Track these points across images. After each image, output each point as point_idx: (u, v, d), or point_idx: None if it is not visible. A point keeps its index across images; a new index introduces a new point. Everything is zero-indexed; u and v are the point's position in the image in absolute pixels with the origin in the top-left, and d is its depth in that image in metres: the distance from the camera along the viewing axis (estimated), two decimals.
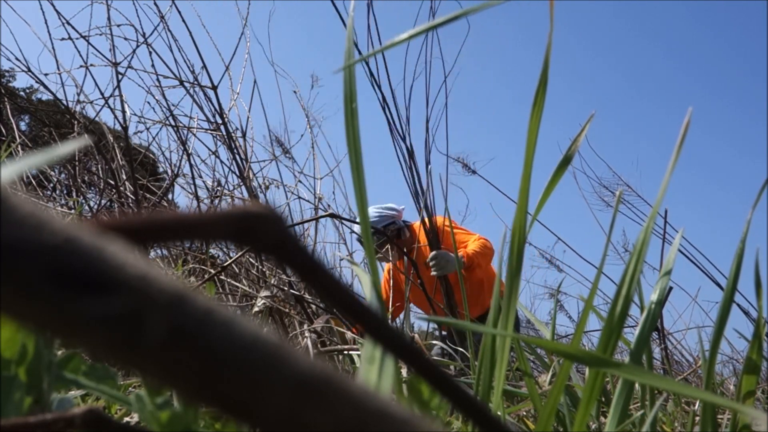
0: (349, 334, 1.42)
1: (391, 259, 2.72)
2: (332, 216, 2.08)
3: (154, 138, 2.47)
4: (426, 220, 2.29)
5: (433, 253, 2.37)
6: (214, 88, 2.25)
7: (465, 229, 2.85)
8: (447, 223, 2.63)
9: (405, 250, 2.58)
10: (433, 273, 2.37)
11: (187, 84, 2.24)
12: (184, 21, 2.26)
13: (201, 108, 2.29)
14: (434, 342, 2.32)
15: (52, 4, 2.15)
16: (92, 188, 2.67)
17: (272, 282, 1.84)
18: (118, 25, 2.23)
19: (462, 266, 2.55)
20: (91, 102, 2.36)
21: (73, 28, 2.17)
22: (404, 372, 0.68)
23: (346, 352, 1.12)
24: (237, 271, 2.02)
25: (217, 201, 2.40)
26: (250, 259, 1.97)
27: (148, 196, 2.47)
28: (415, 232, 2.80)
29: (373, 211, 2.81)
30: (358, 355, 1.01)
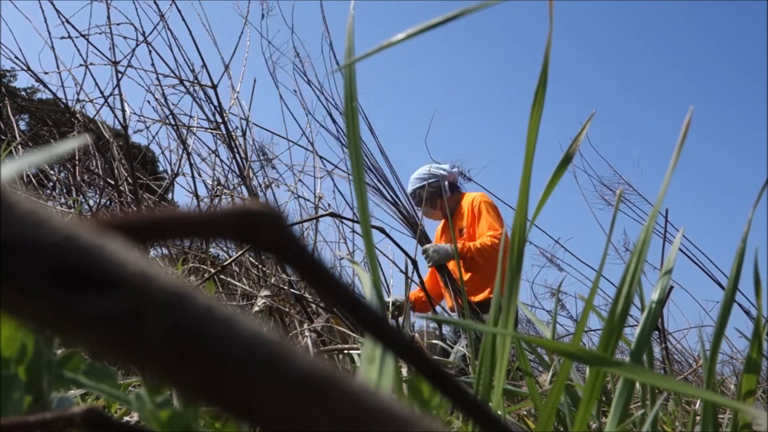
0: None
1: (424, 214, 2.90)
2: (332, 215, 2.08)
3: (154, 137, 2.47)
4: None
5: (424, 247, 2.63)
6: (214, 87, 2.25)
7: (495, 215, 2.87)
8: (482, 201, 2.85)
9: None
10: (428, 264, 2.63)
11: (187, 83, 2.24)
12: (184, 20, 2.26)
13: (201, 107, 2.29)
14: (435, 342, 2.35)
15: (52, 3, 2.15)
16: (92, 187, 2.66)
17: (272, 281, 1.84)
18: (118, 24, 2.23)
19: (453, 257, 2.69)
20: (91, 101, 2.36)
21: (72, 26, 2.17)
22: (404, 371, 0.68)
23: (346, 351, 1.12)
24: (237, 270, 2.02)
25: (217, 200, 2.39)
26: (251, 259, 1.97)
27: (147, 195, 2.46)
28: (461, 202, 2.94)
29: (418, 172, 2.96)
30: (359, 355, 1.01)
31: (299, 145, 2.52)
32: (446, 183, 2.95)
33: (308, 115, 2.63)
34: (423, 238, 2.73)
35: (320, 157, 2.46)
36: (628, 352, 0.56)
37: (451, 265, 2.64)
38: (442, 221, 3.08)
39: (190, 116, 2.35)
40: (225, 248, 2.37)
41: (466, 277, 2.80)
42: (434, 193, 2.90)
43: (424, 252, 2.64)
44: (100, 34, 2.21)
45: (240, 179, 2.22)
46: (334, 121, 2.53)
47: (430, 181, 2.90)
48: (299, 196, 2.48)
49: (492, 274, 2.83)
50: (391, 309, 2.40)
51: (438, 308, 2.91)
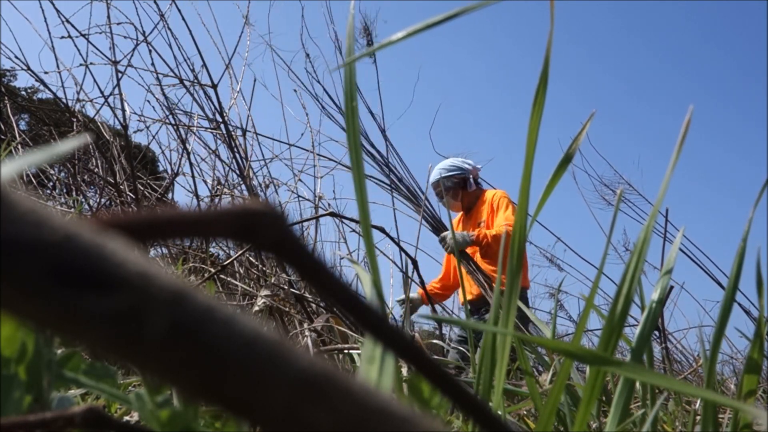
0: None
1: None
2: (332, 215, 2.08)
3: (154, 136, 2.47)
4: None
5: (441, 234, 2.78)
6: (214, 86, 2.25)
7: (513, 211, 2.98)
8: (503, 197, 2.93)
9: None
10: (446, 251, 2.81)
11: (187, 82, 2.24)
12: (184, 19, 2.26)
13: (201, 106, 2.30)
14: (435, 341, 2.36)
15: (52, 3, 2.15)
16: (92, 187, 2.66)
17: (272, 281, 1.84)
18: (118, 24, 2.23)
19: (470, 244, 2.78)
20: (91, 100, 2.36)
21: (72, 26, 2.17)
22: (404, 371, 0.68)
23: (346, 351, 1.12)
24: (237, 270, 2.01)
25: (217, 200, 2.39)
26: (251, 258, 1.97)
27: (148, 194, 2.46)
28: (482, 198, 2.99)
29: (445, 162, 3.03)
30: (359, 354, 1.00)
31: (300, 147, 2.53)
32: (471, 177, 3.00)
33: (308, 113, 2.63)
34: (440, 228, 2.84)
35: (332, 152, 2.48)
36: (628, 352, 0.56)
37: (471, 251, 2.75)
38: (459, 214, 3.12)
39: (190, 116, 2.36)
40: (225, 248, 2.36)
41: (491, 267, 2.83)
42: (458, 184, 2.96)
43: (442, 240, 2.77)
44: (100, 33, 2.21)
45: (240, 179, 2.22)
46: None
47: (456, 173, 2.96)
48: (299, 196, 2.48)
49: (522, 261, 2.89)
50: (402, 306, 2.46)
51: (438, 308, 2.93)
